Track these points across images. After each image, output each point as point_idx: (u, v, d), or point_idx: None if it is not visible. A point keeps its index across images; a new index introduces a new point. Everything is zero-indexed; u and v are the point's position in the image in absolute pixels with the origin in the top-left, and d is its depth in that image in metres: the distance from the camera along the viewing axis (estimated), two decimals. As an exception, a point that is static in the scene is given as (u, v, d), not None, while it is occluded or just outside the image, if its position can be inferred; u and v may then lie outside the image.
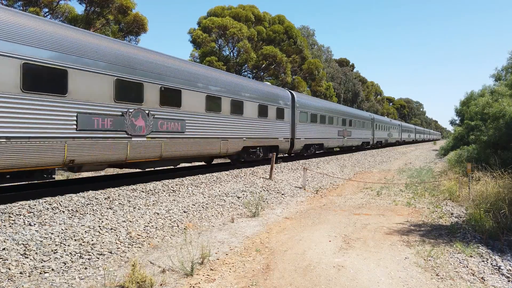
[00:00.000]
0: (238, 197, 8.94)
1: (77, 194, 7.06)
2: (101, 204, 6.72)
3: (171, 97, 9.49)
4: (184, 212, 7.27)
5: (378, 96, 76.63)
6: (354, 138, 26.36)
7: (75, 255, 4.82)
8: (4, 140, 5.92)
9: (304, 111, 17.74)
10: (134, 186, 8.23)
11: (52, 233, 5.21)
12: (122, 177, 10.45)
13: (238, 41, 25.86)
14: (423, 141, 77.74)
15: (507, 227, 6.05)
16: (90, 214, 6.22)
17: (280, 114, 15.43)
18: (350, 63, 60.31)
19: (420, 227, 6.93)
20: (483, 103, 16.47)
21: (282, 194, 10.23)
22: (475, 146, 14.48)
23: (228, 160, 15.56)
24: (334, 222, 7.35)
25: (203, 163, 13.78)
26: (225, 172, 11.75)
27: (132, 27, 21.12)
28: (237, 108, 12.37)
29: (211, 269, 4.74)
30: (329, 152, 25.20)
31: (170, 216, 6.84)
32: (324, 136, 20.48)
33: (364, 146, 30.76)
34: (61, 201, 6.42)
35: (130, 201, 7.22)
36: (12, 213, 5.61)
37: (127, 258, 5.06)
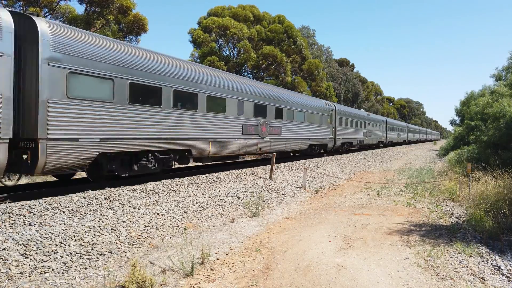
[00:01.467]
0: (238, 197, 8.94)
1: (77, 194, 7.06)
2: (101, 204, 6.72)
3: None
4: (184, 212, 7.27)
5: (378, 96, 76.64)
6: (283, 139, 15.51)
7: (75, 255, 4.82)
8: None
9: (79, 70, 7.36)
10: (134, 186, 8.23)
11: (52, 233, 5.21)
12: (122, 177, 10.44)
13: (239, 41, 25.88)
14: (418, 141, 67.89)
15: (507, 227, 6.05)
16: (90, 214, 6.22)
17: None
18: (350, 63, 60.35)
19: (420, 227, 6.93)
20: (483, 103, 16.48)
21: (282, 194, 10.23)
22: (475, 146, 14.48)
23: (229, 160, 14.35)
24: (334, 222, 7.34)
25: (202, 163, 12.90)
26: (225, 172, 11.75)
27: (132, 27, 21.14)
28: None
29: (211, 269, 4.74)
30: (329, 152, 24.00)
31: (170, 216, 6.84)
32: (179, 134, 9.77)
33: (313, 152, 19.43)
34: (61, 201, 6.42)
35: (130, 201, 7.23)
36: (12, 213, 5.61)
37: (127, 258, 5.06)
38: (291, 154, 19.28)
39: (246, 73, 29.34)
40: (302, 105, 17.83)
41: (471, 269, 4.77)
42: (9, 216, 5.51)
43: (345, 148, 25.60)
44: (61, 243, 5.02)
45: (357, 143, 27.61)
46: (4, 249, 4.59)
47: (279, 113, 15.32)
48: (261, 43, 28.80)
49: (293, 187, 11.26)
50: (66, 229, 5.43)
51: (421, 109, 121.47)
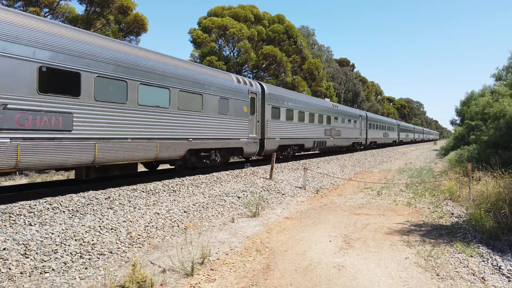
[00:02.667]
0: (239, 197, 8.94)
1: (78, 194, 7.06)
2: (101, 204, 6.72)
3: None
4: (185, 212, 7.27)
5: (379, 96, 76.62)
6: (78, 141, 7.17)
7: (75, 255, 4.82)
8: None
9: None
10: (134, 186, 8.23)
11: (52, 233, 5.21)
12: (123, 177, 10.45)
13: (238, 41, 25.88)
14: (414, 142, 59.59)
15: (508, 227, 6.05)
16: (91, 214, 6.22)
17: None
18: (351, 63, 60.34)
19: (420, 227, 6.92)
20: (483, 103, 16.50)
21: (283, 194, 10.22)
22: (475, 146, 14.48)
23: (231, 160, 13.50)
24: (335, 222, 7.34)
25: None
26: (226, 172, 11.75)
27: (132, 27, 21.14)
28: None
29: (212, 269, 4.74)
30: (329, 152, 24.42)
31: (170, 216, 6.84)
32: None
33: (204, 162, 11.46)
34: (62, 201, 6.42)
35: (130, 201, 7.23)
36: (13, 213, 5.61)
37: (128, 258, 5.06)
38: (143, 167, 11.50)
39: (246, 73, 29.35)
40: (164, 74, 9.39)
41: (471, 269, 4.77)
42: (9, 216, 5.51)
43: (289, 153, 17.08)
44: (61, 243, 5.02)
45: (315, 145, 19.52)
46: (4, 249, 4.59)
47: (64, 83, 7.06)
48: (261, 43, 28.81)
49: (293, 187, 11.26)
50: (66, 229, 5.43)
51: (421, 109, 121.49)
